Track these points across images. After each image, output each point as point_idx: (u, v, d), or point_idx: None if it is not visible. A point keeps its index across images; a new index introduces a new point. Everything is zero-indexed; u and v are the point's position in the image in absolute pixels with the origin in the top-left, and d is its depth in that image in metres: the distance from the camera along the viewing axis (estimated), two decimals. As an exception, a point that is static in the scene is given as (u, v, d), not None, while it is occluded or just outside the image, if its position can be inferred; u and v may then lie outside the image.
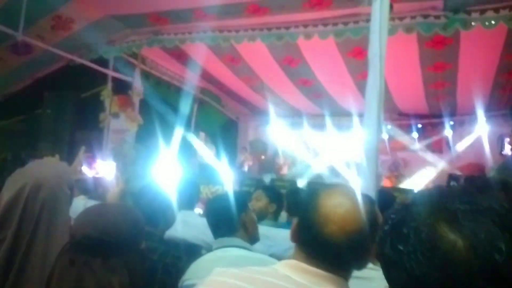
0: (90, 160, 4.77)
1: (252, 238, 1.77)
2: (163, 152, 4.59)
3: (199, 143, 7.56)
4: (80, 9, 4.53)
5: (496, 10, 3.58)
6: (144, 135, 5.82)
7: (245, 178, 6.19)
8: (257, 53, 5.32)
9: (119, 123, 5.97)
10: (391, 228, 0.66)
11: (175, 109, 6.86)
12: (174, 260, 1.77)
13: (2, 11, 4.16)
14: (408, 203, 0.69)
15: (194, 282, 1.50)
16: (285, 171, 7.98)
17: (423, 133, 7.95)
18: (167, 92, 6.72)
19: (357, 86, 5.84)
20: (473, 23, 3.69)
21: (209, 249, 1.79)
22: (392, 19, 3.69)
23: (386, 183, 7.04)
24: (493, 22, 3.62)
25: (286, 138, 8.43)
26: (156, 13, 4.58)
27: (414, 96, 6.67)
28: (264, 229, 2.10)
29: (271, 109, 7.83)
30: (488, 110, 6.60)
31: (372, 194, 1.72)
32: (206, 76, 6.68)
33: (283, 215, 3.26)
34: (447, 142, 7.66)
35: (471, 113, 6.71)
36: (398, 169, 7.52)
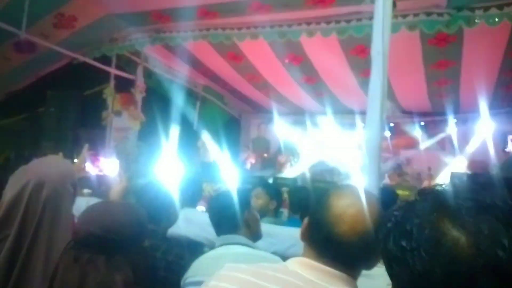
0: (93, 158, 4.78)
1: (254, 235, 1.78)
2: (166, 150, 4.59)
3: (201, 141, 7.57)
4: (82, 7, 4.53)
5: (500, 7, 3.56)
6: (146, 133, 5.83)
7: (247, 176, 6.19)
8: (259, 50, 5.32)
9: (121, 121, 5.99)
10: (394, 225, 0.66)
11: (177, 107, 6.86)
12: (176, 258, 1.77)
13: (5, 10, 4.17)
14: (411, 200, 0.69)
15: (197, 280, 1.51)
16: (287, 169, 7.97)
17: (426, 131, 7.93)
18: (169, 90, 6.73)
19: (360, 84, 5.83)
20: (476, 21, 3.67)
21: (212, 246, 1.79)
22: (395, 16, 3.67)
23: (388, 181, 7.02)
24: (496, 19, 3.60)
25: (288, 136, 8.42)
26: (159, 11, 4.58)
27: (417, 94, 6.65)
28: (266, 227, 2.10)
29: (274, 107, 7.83)
30: (492, 107, 6.57)
31: (375, 192, 1.71)
32: (208, 74, 6.68)
33: (285, 213, 3.26)
34: (450, 140, 7.64)
35: (475, 110, 6.68)
36: (400, 167, 7.49)
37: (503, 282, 0.55)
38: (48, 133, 6.54)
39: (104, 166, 4.90)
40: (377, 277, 1.19)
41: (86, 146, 2.41)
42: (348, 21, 4.12)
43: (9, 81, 5.79)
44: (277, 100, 7.62)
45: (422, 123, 7.90)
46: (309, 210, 1.11)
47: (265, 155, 8.34)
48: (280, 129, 8.43)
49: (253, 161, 7.96)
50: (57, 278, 1.16)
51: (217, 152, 7.24)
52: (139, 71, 5.94)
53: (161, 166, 4.01)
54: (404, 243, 0.62)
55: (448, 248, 0.58)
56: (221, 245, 1.68)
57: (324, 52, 5.15)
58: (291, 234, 2.16)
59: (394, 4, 2.17)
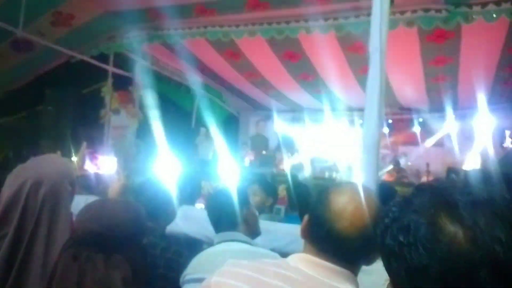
0: (92, 156, 4.78)
1: (253, 232, 1.78)
2: (164, 148, 4.59)
3: (200, 139, 7.57)
4: (79, 5, 4.51)
5: (498, 3, 3.56)
6: (144, 130, 5.83)
7: (246, 173, 6.19)
8: (257, 48, 5.31)
9: (119, 119, 5.98)
10: (392, 220, 0.67)
11: (175, 104, 6.86)
12: (175, 255, 1.78)
13: (2, 8, 4.15)
14: (408, 195, 0.69)
15: (196, 277, 1.51)
16: (285, 165, 7.97)
17: (424, 127, 7.94)
18: (167, 87, 6.72)
19: (358, 81, 5.83)
20: (474, 17, 3.67)
21: (211, 243, 1.79)
22: (393, 13, 3.67)
23: (387, 177, 7.03)
24: (494, 15, 3.60)
25: (287, 133, 8.43)
26: (156, 8, 4.56)
27: (415, 90, 6.66)
28: (265, 224, 2.10)
29: (272, 104, 7.82)
30: (490, 103, 6.58)
31: (373, 188, 1.72)
32: (206, 71, 6.67)
33: (282, 210, 3.26)
34: (449, 136, 7.64)
35: (473, 106, 6.69)
36: (399, 164, 7.50)
37: (500, 277, 0.55)
38: (46, 132, 6.52)
39: (103, 164, 4.90)
40: (375, 272, 1.19)
41: (84, 144, 2.41)
42: (346, 18, 4.12)
43: (6, 79, 5.78)
44: (276, 97, 7.62)
45: (421, 120, 7.91)
46: (308, 207, 1.12)
47: (264, 152, 8.33)
48: (279, 126, 8.43)
49: (252, 158, 7.96)
50: (56, 276, 1.17)
51: (216, 150, 7.24)
52: (137, 69, 5.93)
53: (159, 164, 4.01)
54: (401, 238, 0.62)
55: (445, 243, 0.58)
56: (220, 242, 1.68)
57: (322, 49, 5.14)
58: (289, 231, 2.16)
59: (392, 1, 2.16)
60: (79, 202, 1.67)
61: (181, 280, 1.63)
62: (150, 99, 5.89)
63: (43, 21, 4.65)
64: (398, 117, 7.98)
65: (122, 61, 5.92)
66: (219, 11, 4.40)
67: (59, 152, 2.06)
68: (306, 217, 1.08)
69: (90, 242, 1.19)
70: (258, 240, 1.83)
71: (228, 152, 6.14)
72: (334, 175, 7.00)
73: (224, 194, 1.80)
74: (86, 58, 5.41)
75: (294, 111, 8.52)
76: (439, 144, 7.85)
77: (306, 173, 6.56)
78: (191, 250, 1.83)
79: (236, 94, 8.02)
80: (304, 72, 6.09)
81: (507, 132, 6.96)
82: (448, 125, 7.53)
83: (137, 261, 1.24)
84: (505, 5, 3.54)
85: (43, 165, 1.58)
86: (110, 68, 5.74)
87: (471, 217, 0.58)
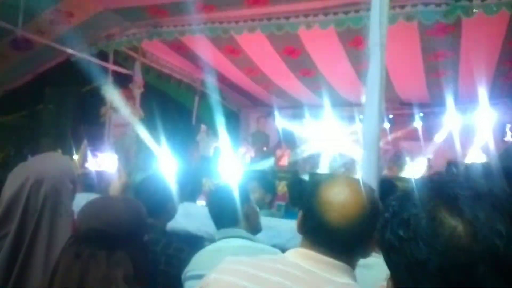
0: (92, 154, 4.78)
1: (254, 228, 1.78)
2: (164, 145, 4.59)
3: (200, 136, 7.57)
4: (79, 3, 4.50)
5: (498, -4, 3.55)
6: (145, 128, 5.82)
7: (246, 169, 6.19)
8: (257, 44, 5.29)
9: (120, 117, 5.97)
10: (392, 214, 0.67)
11: (176, 102, 6.85)
12: (176, 252, 1.78)
13: (1, 6, 4.14)
14: (408, 190, 0.69)
15: (197, 273, 1.51)
16: (285, 162, 7.97)
17: (425, 122, 7.93)
18: (167, 85, 6.71)
19: (359, 76, 5.81)
20: (474, 10, 3.65)
21: (212, 240, 1.79)
22: (392, 7, 3.66)
23: (388, 172, 7.02)
24: (494, 8, 3.58)
25: (287, 129, 8.42)
26: (155, 5, 4.55)
27: (415, 85, 6.64)
28: (266, 220, 2.11)
29: (273, 101, 7.80)
30: (491, 97, 6.57)
31: (374, 183, 1.72)
32: (206, 68, 6.65)
33: (283, 207, 3.27)
34: (449, 131, 7.63)
35: (473, 101, 6.68)
36: (400, 159, 7.49)
37: (500, 270, 0.55)
38: (47, 130, 6.53)
39: (103, 162, 4.90)
40: (375, 267, 1.19)
41: (85, 142, 2.41)
42: (346, 13, 4.10)
43: (6, 78, 5.77)
44: (276, 93, 7.60)
45: (421, 114, 7.89)
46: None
47: (264, 148, 8.33)
48: (279, 123, 8.43)
49: (252, 155, 7.96)
50: (58, 274, 1.17)
51: (216, 147, 7.25)
52: (137, 66, 5.92)
53: (160, 161, 4.02)
54: (401, 233, 0.62)
55: (445, 236, 0.58)
56: (221, 238, 1.68)
57: (323, 45, 5.13)
58: (290, 227, 2.17)
59: (391, -5, 2.15)
60: (80, 200, 1.68)
61: (183, 276, 1.63)
62: (150, 97, 5.89)
63: (43, 20, 4.64)
64: (399, 112, 7.97)
65: (122, 59, 5.91)
66: (219, 7, 4.38)
67: (60, 151, 2.06)
68: (300, 212, 1.09)
69: (91, 239, 1.19)
70: (259, 236, 1.83)
71: (229, 149, 6.14)
72: (334, 169, 6.98)
73: (225, 190, 1.80)
74: (86, 56, 5.40)
75: (295, 107, 8.50)
76: (440, 138, 7.85)
77: (321, 169, 6.55)
78: (192, 246, 1.84)
79: (236, 91, 8.00)
80: (304, 68, 6.08)
81: (508, 126, 6.95)
82: (449, 120, 7.51)
83: (138, 258, 1.24)
84: (505, -2, 3.52)
85: (44, 164, 1.59)
86: (110, 66, 5.73)
87: (471, 211, 0.58)
